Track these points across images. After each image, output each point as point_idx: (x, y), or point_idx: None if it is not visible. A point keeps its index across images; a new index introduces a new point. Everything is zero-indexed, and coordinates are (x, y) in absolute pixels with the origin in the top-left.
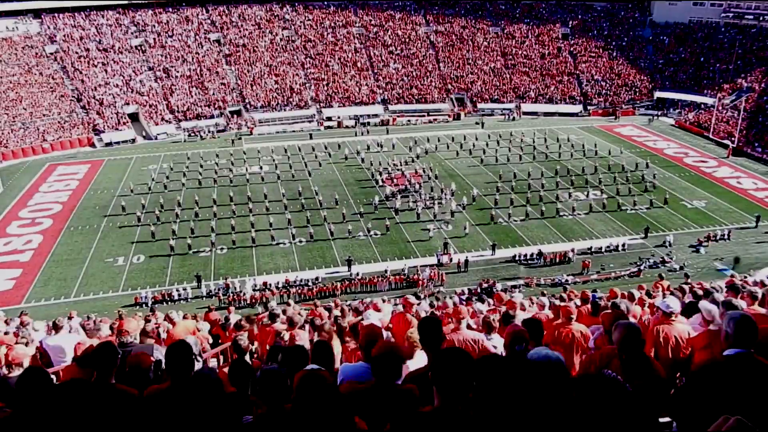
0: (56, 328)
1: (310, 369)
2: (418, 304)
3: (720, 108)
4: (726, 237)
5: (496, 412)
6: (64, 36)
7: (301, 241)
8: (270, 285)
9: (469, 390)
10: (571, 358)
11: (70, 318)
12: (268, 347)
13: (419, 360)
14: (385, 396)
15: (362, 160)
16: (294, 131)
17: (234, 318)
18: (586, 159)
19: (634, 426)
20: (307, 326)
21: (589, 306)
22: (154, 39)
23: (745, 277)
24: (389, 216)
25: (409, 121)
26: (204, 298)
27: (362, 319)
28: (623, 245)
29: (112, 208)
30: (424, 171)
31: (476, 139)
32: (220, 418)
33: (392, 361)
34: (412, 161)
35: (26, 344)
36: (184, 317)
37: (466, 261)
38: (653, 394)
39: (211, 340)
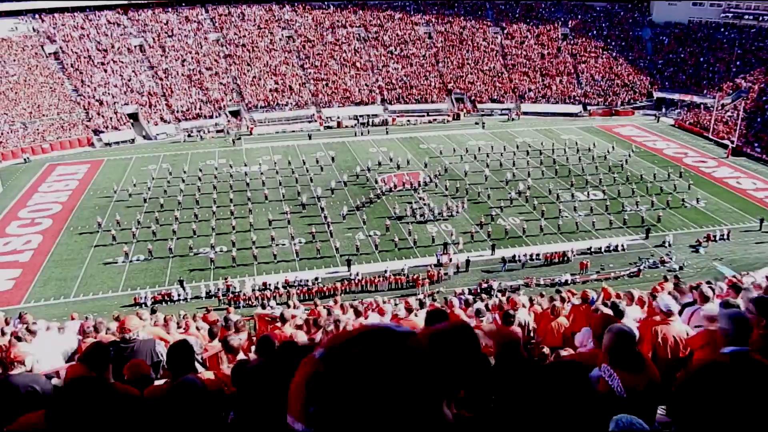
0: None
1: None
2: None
3: (719, 108)
4: (726, 237)
5: (489, 415)
6: (64, 36)
7: (300, 242)
8: (270, 285)
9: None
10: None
11: (72, 319)
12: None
13: None
14: None
15: (367, 168)
16: (294, 131)
17: (234, 318)
18: (585, 158)
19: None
20: (305, 326)
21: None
22: (154, 39)
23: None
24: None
25: (408, 121)
26: (204, 299)
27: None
28: (623, 245)
29: (111, 209)
30: (429, 176)
31: (489, 145)
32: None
33: None
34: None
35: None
36: (166, 319)
37: (467, 261)
38: (647, 398)
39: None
